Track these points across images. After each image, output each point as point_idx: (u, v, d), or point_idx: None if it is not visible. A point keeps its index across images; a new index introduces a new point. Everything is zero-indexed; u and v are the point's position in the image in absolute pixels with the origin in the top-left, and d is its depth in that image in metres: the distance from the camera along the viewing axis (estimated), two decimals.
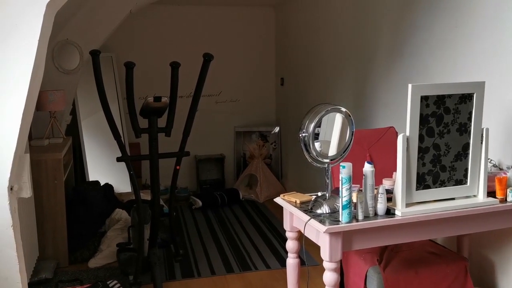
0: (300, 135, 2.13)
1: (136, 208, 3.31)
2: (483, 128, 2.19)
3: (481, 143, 2.20)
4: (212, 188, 5.87)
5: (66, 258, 3.74)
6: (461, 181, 2.20)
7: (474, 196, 2.23)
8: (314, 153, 2.13)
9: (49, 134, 4.13)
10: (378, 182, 2.27)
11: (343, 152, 2.19)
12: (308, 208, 2.20)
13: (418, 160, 2.11)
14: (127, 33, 5.53)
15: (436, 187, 2.17)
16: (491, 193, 2.25)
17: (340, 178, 2.00)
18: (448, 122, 2.13)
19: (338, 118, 2.22)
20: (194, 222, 4.86)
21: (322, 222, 2.03)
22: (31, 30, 1.74)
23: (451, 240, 2.78)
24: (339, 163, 2.07)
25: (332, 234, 1.98)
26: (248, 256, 3.92)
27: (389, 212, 2.10)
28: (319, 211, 2.14)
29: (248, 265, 3.74)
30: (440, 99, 2.10)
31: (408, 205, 2.11)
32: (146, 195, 4.47)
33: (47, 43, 1.89)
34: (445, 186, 2.18)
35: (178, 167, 3.35)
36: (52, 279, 3.41)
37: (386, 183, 2.32)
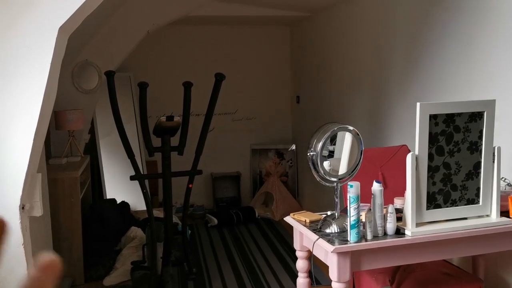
0: (308, 154, 2.14)
1: (149, 226, 3.34)
2: (494, 147, 2.16)
3: (493, 162, 2.16)
4: (228, 206, 5.87)
5: (82, 275, 3.78)
6: (473, 201, 2.17)
7: (487, 216, 2.19)
8: (322, 172, 2.13)
9: (68, 152, 4.21)
10: (390, 201, 2.25)
11: (352, 171, 2.18)
12: (317, 228, 2.18)
13: (428, 179, 2.09)
14: (145, 53, 5.64)
15: (447, 207, 2.13)
16: (504, 213, 2.20)
17: (348, 197, 1.99)
18: (458, 140, 2.11)
19: (348, 137, 2.21)
20: (209, 240, 4.86)
21: (330, 241, 2.01)
22: (43, 53, 1.80)
23: (466, 260, 2.72)
24: (348, 182, 2.06)
25: (340, 254, 1.97)
26: (262, 275, 3.90)
27: (399, 232, 2.08)
28: (328, 231, 2.13)
29: (262, 284, 3.71)
30: (450, 118, 2.08)
31: (418, 224, 2.08)
32: (162, 213, 4.50)
33: (60, 65, 1.94)
34: (457, 206, 2.15)
35: (190, 186, 3.37)
36: None
37: (398, 202, 2.30)
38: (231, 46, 5.98)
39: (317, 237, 2.07)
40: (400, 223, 2.11)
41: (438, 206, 2.12)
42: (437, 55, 3.06)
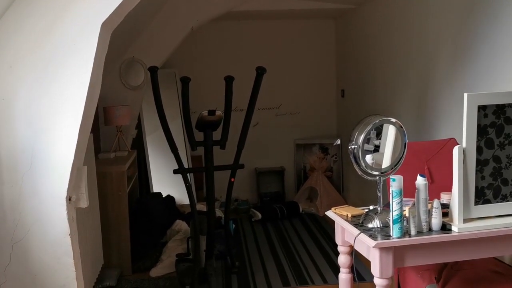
0: (350, 147, 2.09)
1: (193, 219, 3.39)
2: None
3: None
4: (272, 200, 5.87)
5: (130, 266, 3.88)
6: None
7: None
8: (364, 165, 2.08)
9: (116, 147, 4.33)
10: (437, 196, 2.17)
11: (395, 165, 2.12)
12: (359, 222, 2.14)
13: (476, 173, 2.00)
14: (189, 49, 5.70)
15: (497, 202, 2.04)
16: None
17: (390, 192, 1.94)
18: (509, 133, 2.00)
19: (391, 130, 2.15)
20: (253, 234, 4.88)
21: (372, 236, 1.97)
22: (87, 49, 1.85)
23: None
24: (390, 176, 2.01)
25: (383, 250, 1.92)
26: (306, 270, 3.87)
27: (445, 228, 2.00)
28: (370, 225, 2.08)
29: (305, 279, 3.69)
30: (500, 109, 1.98)
31: (466, 220, 2.00)
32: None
33: (103, 61, 1.99)
34: (508, 201, 2.04)
35: (232, 180, 3.39)
36: (115, 286, 3.55)
37: (444, 197, 2.22)
38: (274, 41, 5.95)
39: (359, 231, 2.02)
40: (446, 219, 2.03)
41: (487, 201, 2.02)
42: (487, 45, 2.91)
